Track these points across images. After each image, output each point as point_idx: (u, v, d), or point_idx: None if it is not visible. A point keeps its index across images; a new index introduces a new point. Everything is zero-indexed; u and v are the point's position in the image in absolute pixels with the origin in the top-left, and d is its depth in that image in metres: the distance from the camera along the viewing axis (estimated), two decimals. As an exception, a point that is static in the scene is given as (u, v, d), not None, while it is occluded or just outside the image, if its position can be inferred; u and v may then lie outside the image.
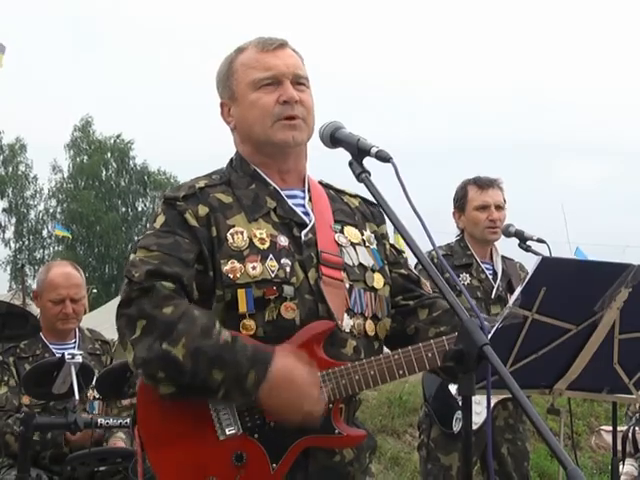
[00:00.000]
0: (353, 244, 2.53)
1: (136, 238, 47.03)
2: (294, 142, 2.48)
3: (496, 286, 4.74)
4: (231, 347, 2.25)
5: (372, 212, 2.67)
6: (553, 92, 59.20)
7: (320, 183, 2.64)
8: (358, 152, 2.23)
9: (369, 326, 2.47)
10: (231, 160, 2.59)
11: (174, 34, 60.92)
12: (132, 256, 2.40)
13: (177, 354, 2.23)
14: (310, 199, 2.54)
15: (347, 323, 2.42)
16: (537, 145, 52.72)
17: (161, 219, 2.42)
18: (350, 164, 2.25)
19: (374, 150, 2.20)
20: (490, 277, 4.78)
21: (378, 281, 2.53)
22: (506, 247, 4.95)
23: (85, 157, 45.65)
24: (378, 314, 2.50)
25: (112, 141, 46.28)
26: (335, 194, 2.65)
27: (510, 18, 61.85)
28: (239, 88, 2.52)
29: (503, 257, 4.91)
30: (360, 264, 2.51)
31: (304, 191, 2.56)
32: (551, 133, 55.31)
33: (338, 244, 2.49)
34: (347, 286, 2.44)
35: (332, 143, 2.31)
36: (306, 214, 2.51)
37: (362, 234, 2.58)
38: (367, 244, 2.57)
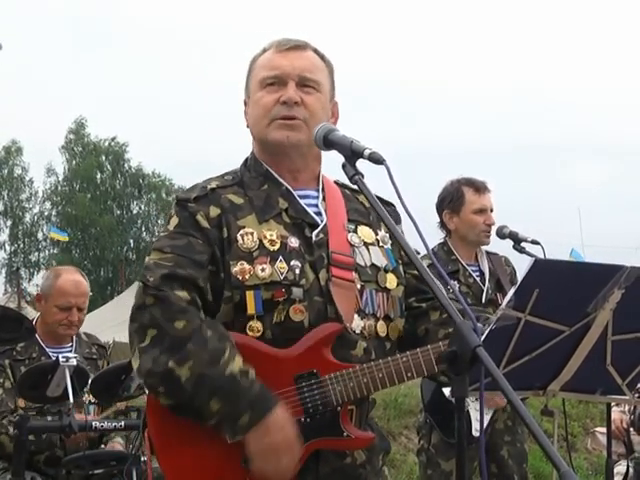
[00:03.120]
0: (366, 244, 2.52)
1: (131, 241, 47.06)
2: (289, 142, 2.47)
3: (485, 289, 4.70)
4: (236, 382, 2.25)
5: (387, 212, 2.66)
6: (553, 92, 59.34)
7: (335, 183, 2.63)
8: (351, 154, 2.22)
9: (380, 327, 2.46)
10: (246, 160, 2.60)
11: (173, 35, 61.03)
12: (147, 259, 2.41)
13: (181, 375, 2.24)
14: (324, 198, 2.54)
15: (358, 324, 2.41)
16: (537, 146, 52.79)
17: (174, 221, 2.43)
18: (343, 166, 2.24)
19: (367, 152, 2.19)
20: (478, 279, 4.73)
21: (391, 281, 2.51)
22: (500, 249, 4.94)
23: (80, 160, 45.59)
24: (390, 315, 2.49)
25: (107, 144, 46.26)
26: (350, 194, 2.63)
27: (510, 18, 62.06)
28: (252, 86, 2.56)
29: (488, 253, 4.85)
30: (372, 264, 2.50)
31: (318, 190, 2.55)
32: (551, 134, 55.37)
33: (351, 244, 2.49)
34: (358, 287, 2.44)
35: (325, 145, 2.30)
36: (318, 214, 2.50)
37: (376, 234, 2.57)
38: (381, 244, 2.56)
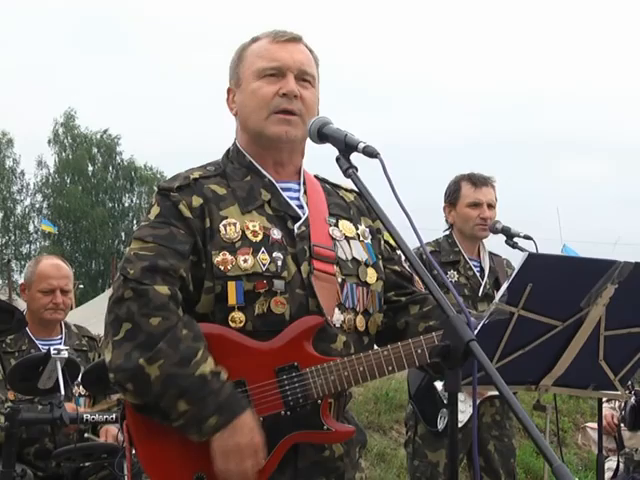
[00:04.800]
0: (347, 238, 2.52)
1: (123, 234, 46.87)
2: (287, 137, 2.47)
3: (483, 283, 4.74)
4: (206, 384, 2.24)
5: (367, 207, 2.66)
6: (553, 92, 59.39)
7: (316, 177, 2.63)
8: (345, 147, 2.22)
9: (359, 321, 2.46)
10: (228, 151, 2.59)
11: (166, 30, 60.95)
12: (127, 250, 2.39)
13: (150, 373, 2.23)
14: (305, 192, 2.54)
15: (338, 318, 2.41)
16: (536, 144, 52.85)
17: (156, 210, 2.42)
18: (337, 159, 2.24)
19: (361, 146, 2.18)
20: (477, 274, 4.78)
21: (371, 276, 2.52)
22: (493, 243, 4.96)
23: (70, 152, 45.48)
24: (369, 309, 2.50)
25: (98, 136, 46.15)
26: (331, 188, 2.64)
27: (511, 18, 62.16)
28: (244, 75, 2.53)
29: (490, 253, 4.91)
30: (353, 258, 2.50)
31: (299, 184, 2.55)
32: (550, 131, 55.39)
33: (332, 237, 2.49)
34: (339, 280, 2.44)
35: (319, 138, 2.30)
36: (300, 207, 2.50)
37: (357, 228, 2.57)
38: (361, 238, 2.56)
